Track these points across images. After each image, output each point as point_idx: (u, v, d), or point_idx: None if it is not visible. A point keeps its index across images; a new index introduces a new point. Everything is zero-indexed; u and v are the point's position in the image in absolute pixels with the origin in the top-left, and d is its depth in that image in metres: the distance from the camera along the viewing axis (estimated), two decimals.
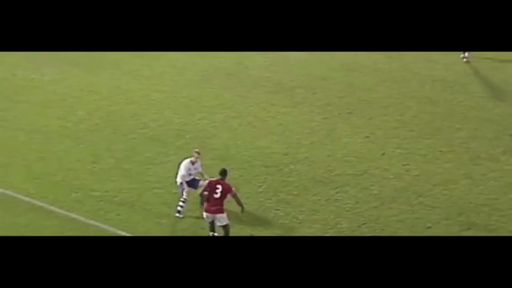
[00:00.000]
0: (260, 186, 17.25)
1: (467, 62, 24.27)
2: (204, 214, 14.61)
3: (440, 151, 19.06)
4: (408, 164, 18.40)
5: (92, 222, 15.63)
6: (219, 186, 14.33)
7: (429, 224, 15.91)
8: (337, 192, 17.09)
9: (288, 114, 21.07)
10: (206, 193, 14.45)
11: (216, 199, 14.28)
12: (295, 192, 17.03)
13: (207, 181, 14.69)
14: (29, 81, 22.74)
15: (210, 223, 14.64)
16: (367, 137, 19.84)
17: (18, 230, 14.96)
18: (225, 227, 14.48)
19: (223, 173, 14.71)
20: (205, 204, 14.48)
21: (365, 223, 15.91)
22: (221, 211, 14.33)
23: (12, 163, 17.80)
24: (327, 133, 19.96)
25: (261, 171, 17.88)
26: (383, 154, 18.91)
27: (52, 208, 16.11)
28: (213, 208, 14.29)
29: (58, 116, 20.42)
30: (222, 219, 14.43)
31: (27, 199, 16.35)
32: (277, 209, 16.37)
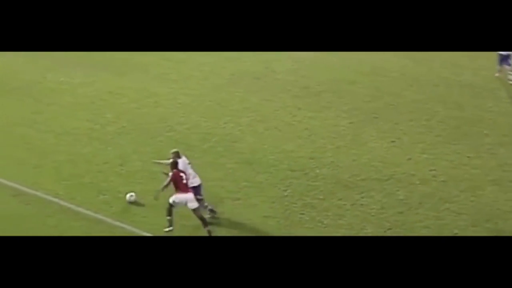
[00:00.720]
0: (285, 190, 17.21)
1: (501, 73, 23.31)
2: (176, 198, 15.03)
3: (468, 156, 18.83)
4: (434, 170, 18.22)
5: (118, 223, 15.73)
6: (182, 174, 15.04)
7: (455, 231, 15.72)
8: (362, 197, 16.97)
9: (314, 119, 21.00)
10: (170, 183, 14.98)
11: (185, 184, 14.96)
12: (320, 197, 16.96)
13: (171, 174, 15.04)
14: (59, 84, 22.98)
15: (172, 206, 15.16)
16: (393, 141, 19.68)
17: (47, 231, 15.10)
18: (195, 209, 15.01)
19: (177, 154, 15.39)
20: (177, 191, 14.97)
21: (390, 229, 15.77)
22: (191, 190, 15.11)
23: (42, 164, 17.99)
24: (353, 138, 19.85)
25: (287, 175, 17.83)
26: (409, 159, 18.75)
27: (80, 209, 16.24)
28: (183, 191, 14.93)
29: (87, 119, 20.59)
30: (191, 200, 14.98)
31: (56, 200, 16.52)
32: (302, 213, 16.31)
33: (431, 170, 18.19)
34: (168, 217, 15.29)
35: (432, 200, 16.84)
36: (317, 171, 18.05)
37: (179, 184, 14.95)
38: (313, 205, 16.59)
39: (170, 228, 15.28)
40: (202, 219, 15.11)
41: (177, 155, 15.56)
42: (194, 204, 15.01)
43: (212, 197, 16.44)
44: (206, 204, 15.77)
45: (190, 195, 15.02)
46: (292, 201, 16.74)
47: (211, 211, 15.87)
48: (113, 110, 21.18)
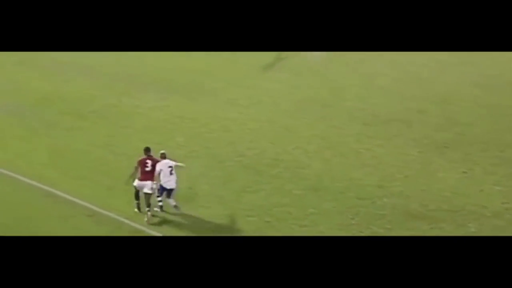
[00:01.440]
0: (352, 218, 16.95)
1: None
2: (136, 182, 16.80)
3: None
4: (507, 202, 17.61)
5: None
6: (149, 161, 16.75)
7: None
8: (431, 228, 16.54)
9: (382, 147, 20.68)
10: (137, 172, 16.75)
11: (147, 172, 16.66)
12: (388, 226, 16.60)
13: (137, 160, 16.86)
14: (133, 108, 23.42)
15: (137, 191, 16.87)
16: (464, 172, 19.17)
17: None
18: (147, 194, 16.68)
19: (148, 150, 16.99)
20: (139, 177, 16.76)
21: None
22: (151, 179, 16.71)
23: (115, 186, 18.27)
24: (423, 167, 19.43)
25: (354, 203, 17.57)
26: (481, 190, 18.20)
27: (151, 231, 16.40)
28: (144, 178, 16.66)
29: (158, 141, 20.84)
30: (148, 187, 16.67)
31: (126, 221, 16.72)
32: None
33: (503, 203, 17.59)
34: (135, 201, 16.94)
35: (503, 234, 16.24)
36: (385, 200, 17.71)
37: (142, 170, 16.68)
38: (381, 234, 16.25)
39: (136, 211, 16.90)
40: (148, 205, 16.61)
41: (163, 156, 17.20)
42: (148, 190, 16.65)
43: (278, 222, 16.37)
44: (174, 203, 16.98)
45: (148, 182, 16.65)
46: (359, 230, 16.44)
47: (175, 207, 16.98)
48: (183, 134, 21.41)
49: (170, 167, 17.03)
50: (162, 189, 17.03)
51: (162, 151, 17.35)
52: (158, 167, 16.83)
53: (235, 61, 29.00)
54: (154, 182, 16.75)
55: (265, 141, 21.04)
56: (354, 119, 22.61)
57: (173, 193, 17.10)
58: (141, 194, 16.83)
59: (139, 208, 16.97)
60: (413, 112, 23.14)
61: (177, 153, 20.19)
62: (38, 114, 22.54)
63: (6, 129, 21.50)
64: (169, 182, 16.98)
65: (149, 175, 16.68)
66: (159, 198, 17.08)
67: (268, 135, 21.47)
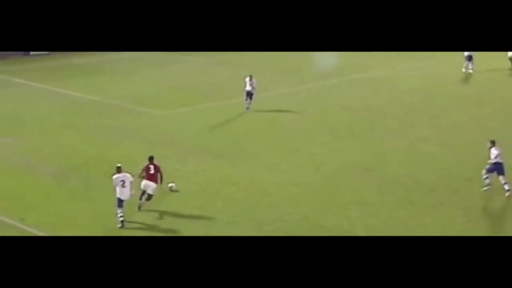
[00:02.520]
0: None
1: None
2: (143, 183, 19.97)
3: None
4: None
5: None
6: (151, 166, 20.05)
7: None
8: None
9: (427, 214, 19.92)
10: (143, 174, 20.09)
11: (151, 174, 19.92)
12: None
13: (144, 166, 20.17)
14: (174, 171, 23.15)
15: (143, 191, 20.01)
16: None
17: None
18: (150, 195, 19.99)
19: (151, 158, 20.32)
20: (145, 178, 20.03)
21: None
22: (155, 182, 19.97)
23: None
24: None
25: None
26: None
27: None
28: (149, 179, 19.93)
29: (198, 206, 20.50)
30: (152, 188, 19.95)
31: None
32: None
33: None
34: (139, 200, 20.03)
35: None
36: None
37: (146, 173, 19.93)
38: None
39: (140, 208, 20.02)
40: (149, 199, 19.98)
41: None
42: (151, 191, 19.94)
43: None
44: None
45: (152, 183, 19.88)
46: None
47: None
48: (223, 198, 21.03)
49: (122, 180, 19.26)
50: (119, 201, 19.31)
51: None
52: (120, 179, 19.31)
53: (277, 124, 28.76)
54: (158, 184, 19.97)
55: (306, 206, 20.48)
56: (397, 184, 21.93)
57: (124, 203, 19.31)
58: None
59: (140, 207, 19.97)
60: (460, 179, 22.35)
61: (217, 218, 19.76)
62: (82, 177, 22.46)
63: (50, 192, 21.41)
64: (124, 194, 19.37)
65: (154, 177, 19.91)
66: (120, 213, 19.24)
67: (309, 200, 20.91)
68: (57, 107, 31.67)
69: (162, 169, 20.16)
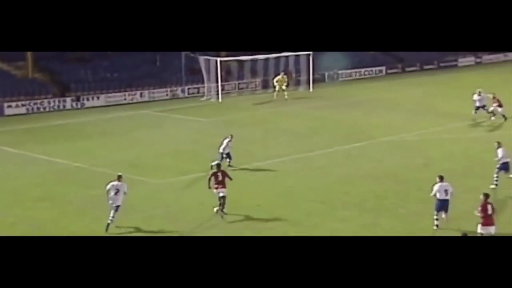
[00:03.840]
0: None
1: None
2: (216, 190, 25.03)
3: None
4: None
5: None
6: (219, 174, 25.14)
7: None
8: None
9: None
10: (213, 178, 25.18)
11: (219, 181, 24.97)
12: None
13: (211, 172, 25.59)
14: None
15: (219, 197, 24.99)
16: None
17: None
18: (223, 197, 24.96)
19: (218, 165, 26.01)
20: (215, 185, 25.06)
21: None
22: (223, 187, 25.06)
23: None
24: None
25: None
26: None
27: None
28: (219, 186, 25.01)
29: None
30: (224, 192, 25.01)
31: None
32: None
33: None
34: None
35: None
36: None
37: (215, 181, 25.15)
38: None
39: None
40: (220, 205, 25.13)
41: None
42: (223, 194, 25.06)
43: None
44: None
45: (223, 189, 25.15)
46: None
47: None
48: None
49: (117, 189, 23.82)
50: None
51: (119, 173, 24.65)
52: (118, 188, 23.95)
53: (292, 194, 27.57)
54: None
55: None
56: None
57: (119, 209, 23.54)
58: None
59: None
60: None
61: None
62: None
63: None
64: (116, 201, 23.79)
65: (222, 183, 25.00)
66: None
67: None
68: (36, 176, 30.64)
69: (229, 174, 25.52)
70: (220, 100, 51.42)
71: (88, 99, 49.93)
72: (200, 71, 53.06)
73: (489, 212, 21.03)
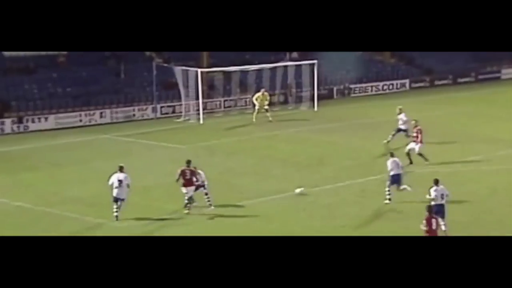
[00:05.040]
0: None
1: None
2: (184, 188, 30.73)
3: None
4: None
5: None
6: (188, 171, 30.65)
7: None
8: None
9: None
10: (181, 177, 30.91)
11: (187, 179, 30.58)
12: None
13: (181, 169, 30.98)
14: None
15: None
16: None
17: None
18: (190, 198, 30.69)
19: (188, 162, 31.14)
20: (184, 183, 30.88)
21: None
22: (191, 185, 30.74)
23: None
24: None
25: None
26: None
27: None
28: (187, 184, 30.69)
29: None
30: (190, 191, 30.69)
31: None
32: None
33: None
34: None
35: None
36: None
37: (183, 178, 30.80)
38: None
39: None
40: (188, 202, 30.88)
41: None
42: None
43: None
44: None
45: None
46: None
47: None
48: None
49: (119, 180, 29.62)
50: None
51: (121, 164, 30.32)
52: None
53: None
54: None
55: None
56: None
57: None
58: None
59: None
60: None
61: None
62: None
63: None
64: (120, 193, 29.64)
65: (190, 181, 30.61)
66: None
67: None
68: None
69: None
70: (201, 121, 51.50)
71: (33, 121, 50.03)
72: (176, 85, 53.27)
73: (433, 227, 24.70)
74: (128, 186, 29.81)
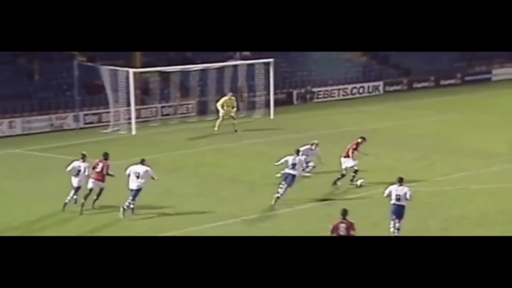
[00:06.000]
0: None
1: None
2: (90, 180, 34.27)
3: None
4: None
5: None
6: (100, 164, 34.54)
7: None
8: None
9: None
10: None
11: (97, 172, 34.28)
12: None
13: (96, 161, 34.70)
14: None
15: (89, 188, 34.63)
16: None
17: None
18: (100, 190, 34.63)
19: (105, 154, 35.04)
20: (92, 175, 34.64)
21: None
22: (99, 180, 34.42)
23: None
24: None
25: None
26: None
27: None
28: (95, 177, 34.40)
29: None
30: (97, 185, 34.54)
31: None
32: None
33: None
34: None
35: None
36: None
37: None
38: None
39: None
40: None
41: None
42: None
43: None
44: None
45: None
46: None
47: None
48: None
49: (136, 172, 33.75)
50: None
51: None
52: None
53: None
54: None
55: None
56: None
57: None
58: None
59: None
60: None
61: None
62: None
63: None
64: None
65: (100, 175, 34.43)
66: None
67: None
68: None
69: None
70: (133, 132, 51.31)
71: None
72: (102, 88, 53.00)
73: (341, 232, 26.32)
74: (147, 175, 33.80)
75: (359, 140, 38.76)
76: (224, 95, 52.30)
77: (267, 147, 47.07)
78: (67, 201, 34.08)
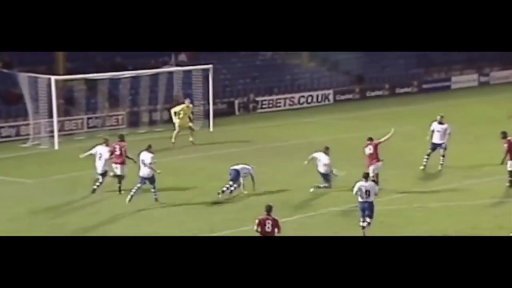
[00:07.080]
0: None
1: None
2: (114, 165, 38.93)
3: None
4: None
5: None
6: (117, 146, 39.60)
7: None
8: None
9: None
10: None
11: (118, 155, 39.68)
12: None
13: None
14: None
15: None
16: None
17: None
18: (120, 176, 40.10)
19: (121, 136, 40.80)
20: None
21: None
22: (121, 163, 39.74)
23: None
24: None
25: None
26: None
27: None
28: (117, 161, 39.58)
29: None
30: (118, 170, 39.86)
31: None
32: None
33: None
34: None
35: None
36: None
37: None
38: None
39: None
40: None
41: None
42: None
43: None
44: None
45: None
46: None
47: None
48: None
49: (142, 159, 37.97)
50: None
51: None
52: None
53: None
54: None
55: None
56: None
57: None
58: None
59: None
60: None
61: None
62: None
63: None
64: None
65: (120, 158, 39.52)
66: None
67: None
68: None
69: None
70: (56, 147, 51.06)
71: None
72: (21, 97, 52.71)
73: (267, 228, 28.25)
74: (151, 163, 38.18)
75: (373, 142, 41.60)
76: (182, 102, 51.89)
77: (205, 162, 47.08)
78: (95, 187, 39.20)
